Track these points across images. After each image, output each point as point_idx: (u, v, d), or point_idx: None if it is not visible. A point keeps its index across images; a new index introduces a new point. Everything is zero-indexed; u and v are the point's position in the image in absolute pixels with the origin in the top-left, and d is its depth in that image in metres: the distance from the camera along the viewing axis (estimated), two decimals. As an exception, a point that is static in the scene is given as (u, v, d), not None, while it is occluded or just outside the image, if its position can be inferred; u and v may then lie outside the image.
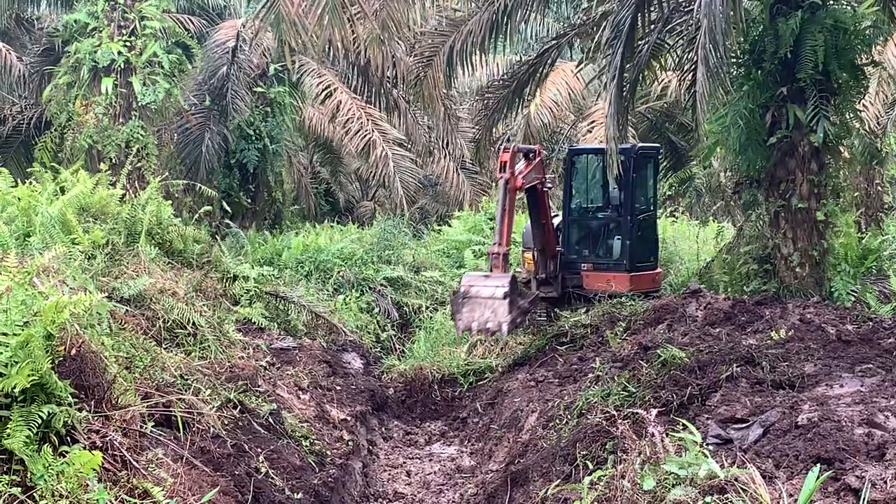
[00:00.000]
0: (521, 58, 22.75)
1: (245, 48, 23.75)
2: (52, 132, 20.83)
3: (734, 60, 15.48)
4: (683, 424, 7.56)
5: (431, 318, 21.07)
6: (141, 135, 19.10)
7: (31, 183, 13.94)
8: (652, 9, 15.18)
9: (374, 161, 25.95)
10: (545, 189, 17.73)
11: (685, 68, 17.03)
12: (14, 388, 5.62)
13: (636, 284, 17.59)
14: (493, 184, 36.99)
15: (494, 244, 15.59)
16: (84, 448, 6.06)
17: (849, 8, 14.98)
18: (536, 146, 17.67)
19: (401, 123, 27.75)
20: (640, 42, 15.48)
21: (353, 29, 19.79)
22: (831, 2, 14.54)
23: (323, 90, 26.11)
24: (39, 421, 5.77)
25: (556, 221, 19.13)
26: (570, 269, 18.46)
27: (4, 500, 5.37)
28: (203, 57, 23.74)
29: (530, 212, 18.11)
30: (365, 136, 25.69)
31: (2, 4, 23.35)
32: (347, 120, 26.04)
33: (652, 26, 15.63)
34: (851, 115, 15.31)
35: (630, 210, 18.13)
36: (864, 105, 18.18)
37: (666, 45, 17.20)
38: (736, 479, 6.29)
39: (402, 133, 27.74)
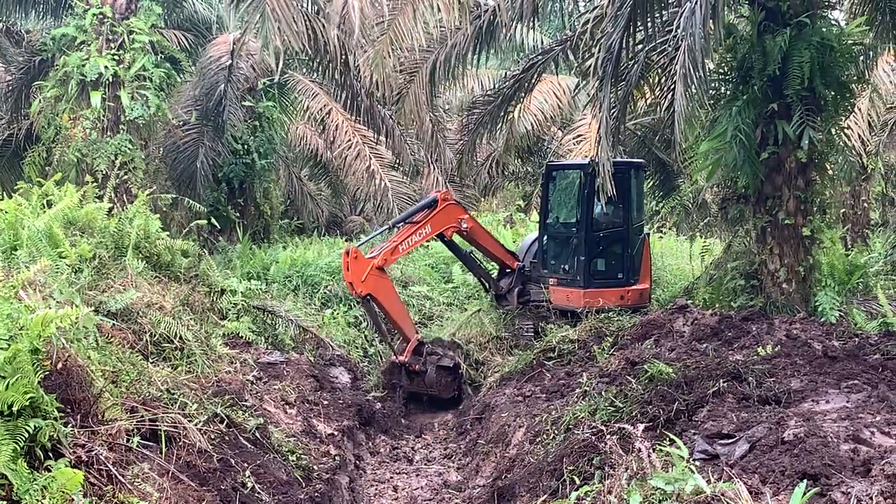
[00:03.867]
0: (505, 74, 22.81)
1: (240, 64, 23.74)
2: (40, 146, 20.80)
3: (723, 77, 15.58)
4: (670, 439, 7.57)
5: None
6: (129, 148, 19.06)
7: (17, 196, 13.90)
8: (639, 29, 15.26)
9: (373, 190, 25.97)
10: (463, 230, 18.25)
11: (666, 87, 17.12)
12: (12, 405, 5.60)
13: (592, 300, 17.62)
14: (487, 195, 37.14)
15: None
16: (70, 463, 6.04)
17: (835, 26, 15.09)
18: (441, 192, 17.97)
19: (388, 142, 27.74)
20: (629, 62, 15.56)
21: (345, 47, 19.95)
22: (819, 21, 14.64)
23: (313, 108, 26.14)
24: (25, 435, 5.76)
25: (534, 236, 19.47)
26: (540, 283, 18.90)
27: (-12, 515, 5.36)
28: (198, 73, 23.76)
29: (455, 254, 19.21)
30: (363, 163, 25.70)
31: None
32: (344, 145, 26.05)
33: (640, 46, 15.70)
34: (837, 132, 15.41)
35: (586, 226, 18.25)
36: (849, 124, 18.29)
37: (652, 63, 17.27)
38: (723, 495, 6.29)
39: (390, 150, 27.71)
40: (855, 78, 15.38)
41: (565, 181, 20.07)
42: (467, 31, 18.51)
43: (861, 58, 15.51)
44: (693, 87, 13.15)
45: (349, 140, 25.87)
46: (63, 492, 5.71)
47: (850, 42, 14.98)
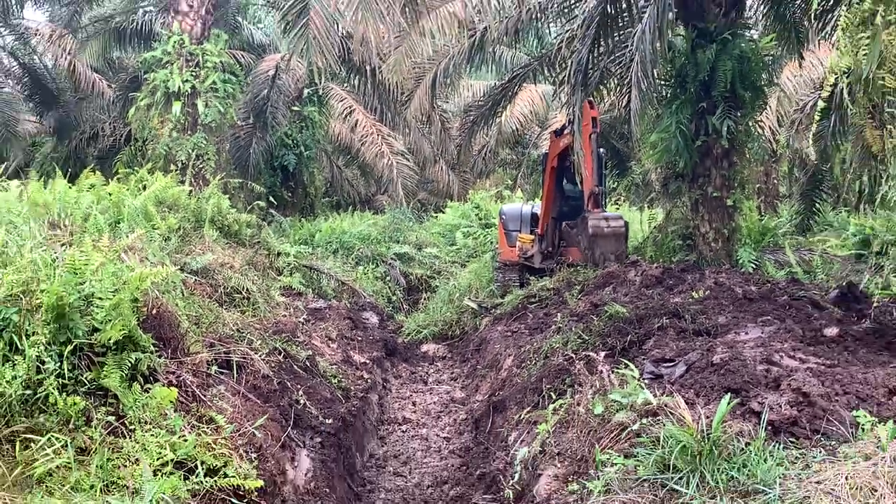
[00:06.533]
0: (494, 83, 22.78)
1: (283, 76, 23.85)
2: (134, 144, 20.87)
3: (665, 83, 15.54)
4: (625, 363, 7.59)
5: (436, 286, 21.13)
6: (203, 144, 19.11)
7: (118, 181, 13.93)
8: (601, 46, 15.21)
9: (382, 167, 26.04)
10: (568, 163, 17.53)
11: (622, 91, 17.05)
12: (110, 339, 5.63)
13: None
14: (481, 177, 37.00)
15: (594, 186, 15.31)
16: (163, 385, 6.08)
17: (752, 41, 15.04)
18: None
19: (409, 138, 27.86)
20: (591, 70, 15.50)
21: (368, 57, 19.89)
22: (738, 38, 14.61)
23: (345, 110, 26.22)
24: (129, 365, 5.79)
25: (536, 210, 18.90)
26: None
27: (103, 426, 5.38)
28: (251, 83, 23.85)
29: (557, 183, 17.83)
30: (376, 147, 25.74)
31: (95, 48, 23.44)
32: (364, 135, 26.13)
33: (600, 59, 15.64)
34: (753, 124, 15.40)
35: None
36: (762, 118, 18.25)
37: (610, 73, 17.19)
38: (665, 405, 6.32)
39: (409, 145, 27.87)
40: (766, 82, 15.32)
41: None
42: (463, 46, 18.47)
43: (771, 66, 15.46)
44: (645, 90, 13.13)
45: (368, 131, 25.92)
46: (159, 407, 5.75)
47: (762, 54, 14.96)
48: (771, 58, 15.51)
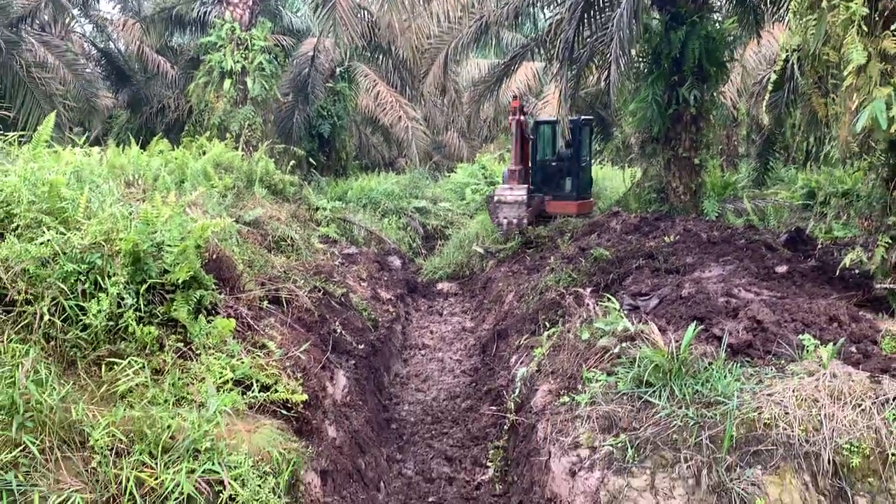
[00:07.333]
0: (498, 63, 22.55)
1: (320, 57, 23.74)
2: (193, 116, 20.85)
3: (643, 60, 15.36)
4: (608, 297, 7.62)
5: (449, 234, 21.10)
6: (251, 115, 19.10)
7: (182, 148, 13.93)
8: (585, 27, 15.02)
9: (399, 130, 26.04)
10: (529, 137, 17.70)
11: (605, 67, 16.87)
12: (178, 279, 5.68)
13: (580, 209, 17.43)
14: (486, 142, 36.79)
15: (511, 164, 15.56)
16: (223, 317, 6.13)
17: (717, 23, 14.84)
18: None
19: (424, 109, 27.76)
20: (581, 50, 15.31)
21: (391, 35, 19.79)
22: (705, 20, 14.40)
23: (370, 85, 26.12)
24: (195, 300, 5.84)
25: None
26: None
27: (174, 351, 5.45)
28: (293, 63, 23.76)
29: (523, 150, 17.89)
30: (394, 113, 25.70)
31: (159, 33, 23.28)
32: (383, 103, 26.05)
33: (588, 39, 15.43)
34: (717, 94, 15.24)
35: (578, 160, 18.08)
36: (724, 89, 18.05)
37: (595, 51, 16.97)
38: (641, 332, 6.35)
39: (424, 115, 27.78)
40: (729, 58, 15.13)
41: (550, 131, 19.53)
42: (469, 30, 18.32)
43: (732, 45, 15.28)
44: (622, 66, 12.98)
45: (387, 100, 25.88)
46: (220, 335, 5.80)
47: (726, 34, 14.76)
48: (733, 37, 15.26)
